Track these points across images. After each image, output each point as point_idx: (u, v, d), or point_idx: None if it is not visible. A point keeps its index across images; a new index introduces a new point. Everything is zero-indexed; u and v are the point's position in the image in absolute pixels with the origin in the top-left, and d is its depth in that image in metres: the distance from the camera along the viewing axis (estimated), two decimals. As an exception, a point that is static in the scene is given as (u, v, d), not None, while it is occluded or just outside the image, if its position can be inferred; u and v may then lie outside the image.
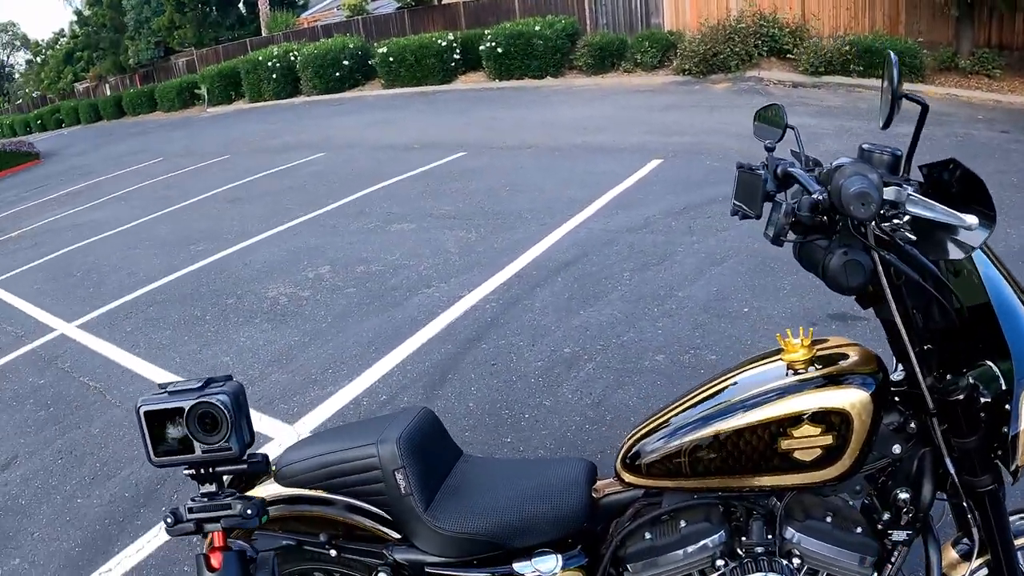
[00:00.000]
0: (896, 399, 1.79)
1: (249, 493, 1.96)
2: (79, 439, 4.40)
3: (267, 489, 1.97)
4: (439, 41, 20.56)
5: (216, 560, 1.62)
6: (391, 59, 20.77)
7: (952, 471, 1.74)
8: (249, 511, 1.61)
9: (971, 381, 1.68)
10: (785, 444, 1.69)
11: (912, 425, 1.77)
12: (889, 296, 1.64)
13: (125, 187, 12.94)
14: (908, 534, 1.81)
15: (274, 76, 23.36)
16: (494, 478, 2.00)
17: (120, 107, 33.69)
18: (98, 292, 6.91)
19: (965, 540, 1.90)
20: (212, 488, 1.65)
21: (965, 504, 1.82)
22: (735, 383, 1.85)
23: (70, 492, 3.91)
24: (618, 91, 16.86)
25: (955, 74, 16.85)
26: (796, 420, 1.68)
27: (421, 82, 20.57)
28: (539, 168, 9.79)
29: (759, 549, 1.81)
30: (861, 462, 1.71)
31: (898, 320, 1.67)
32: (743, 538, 1.83)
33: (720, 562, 1.81)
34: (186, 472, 1.65)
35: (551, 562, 1.86)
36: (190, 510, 1.63)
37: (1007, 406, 1.64)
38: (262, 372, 4.89)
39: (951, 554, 1.95)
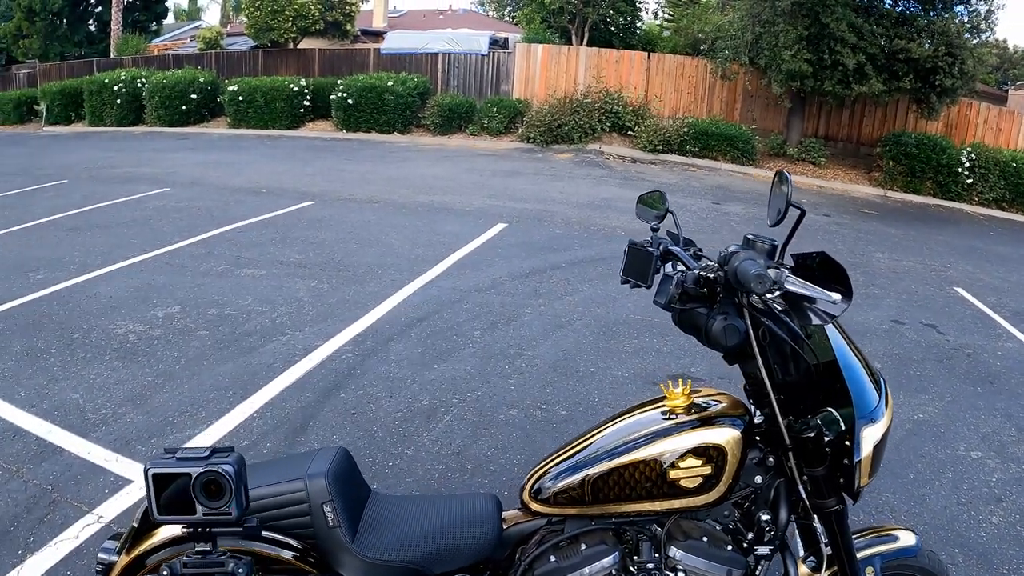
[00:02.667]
0: (756, 438, 2.13)
1: (162, 530, 2.04)
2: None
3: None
4: (291, 85, 20.59)
5: None
6: (240, 98, 20.59)
7: (804, 496, 2.10)
8: (240, 570, 1.75)
9: (819, 422, 2.02)
10: (673, 474, 2.01)
11: (770, 460, 2.11)
12: (757, 353, 2.01)
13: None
14: (770, 549, 2.13)
15: (119, 101, 22.55)
16: (410, 512, 2.20)
17: (-50, 113, 31.73)
18: (-74, 317, 6.62)
19: (812, 557, 2.26)
20: (207, 547, 1.78)
21: (815, 524, 2.19)
22: (627, 424, 2.15)
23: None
24: (464, 153, 17.31)
25: (784, 160, 18.19)
26: (683, 454, 2.01)
27: (268, 125, 20.43)
28: (387, 224, 10.02)
29: (649, 566, 2.07)
30: (732, 489, 2.05)
31: (763, 372, 2.03)
32: (635, 557, 2.09)
33: None
34: (184, 531, 1.80)
35: None
36: (185, 565, 1.76)
37: (847, 442, 1.99)
38: (115, 412, 4.84)
39: (803, 568, 2.28)
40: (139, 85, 22.45)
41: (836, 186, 17.32)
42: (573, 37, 21.68)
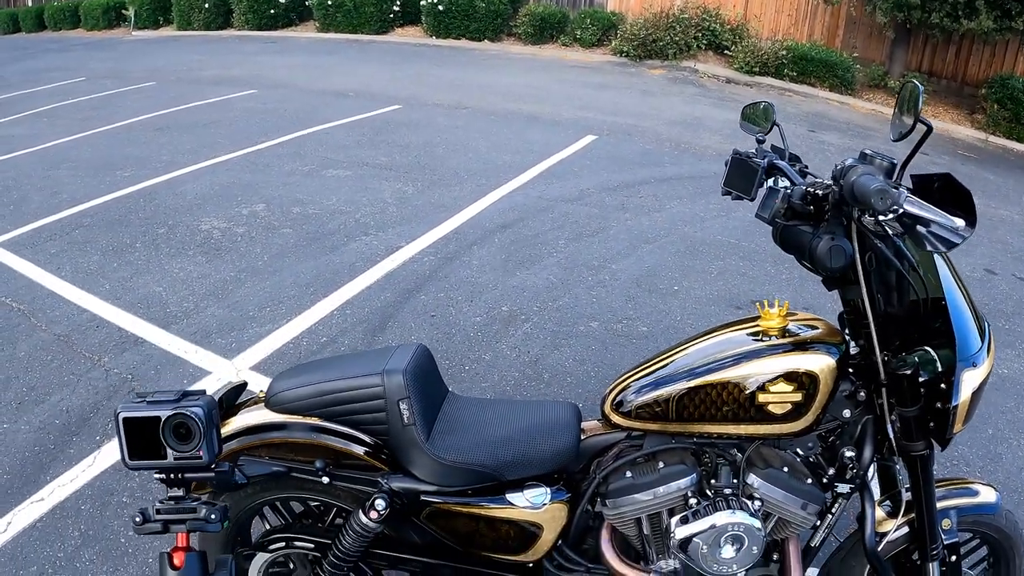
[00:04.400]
0: (850, 371, 2.03)
1: (237, 418, 2.06)
2: (2, 361, 4.27)
3: (257, 415, 2.03)
4: (381, -13, 20.23)
5: (179, 559, 1.73)
6: (329, 1, 20.34)
7: (893, 436, 2.01)
8: (213, 516, 1.72)
9: (916, 360, 1.93)
10: (762, 397, 1.94)
11: (861, 394, 2.02)
12: (861, 279, 1.90)
13: (45, 104, 12.40)
14: (851, 488, 2.06)
15: (207, 5, 22.52)
16: (488, 415, 2.13)
17: (41, 20, 31.99)
18: (19, 210, 6.66)
19: (888, 501, 2.19)
20: (180, 492, 1.74)
21: (897, 467, 2.12)
22: (716, 342, 2.06)
23: (-5, 415, 3.81)
24: (554, 64, 16.91)
25: (884, 92, 17.39)
26: (774, 378, 1.93)
27: (356, 29, 20.21)
28: (475, 130, 9.80)
29: (727, 491, 2.01)
30: (819, 420, 1.97)
31: (865, 300, 1.92)
32: (712, 480, 2.04)
33: (692, 500, 2.01)
34: (156, 476, 1.74)
35: (541, 495, 2.03)
36: (158, 511, 1.72)
37: (943, 385, 1.89)
38: (197, 305, 4.83)
39: (879, 512, 2.19)
40: (227, -12, 22.36)
41: (936, 125, 16.36)
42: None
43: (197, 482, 1.77)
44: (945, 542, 2.24)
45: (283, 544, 2.14)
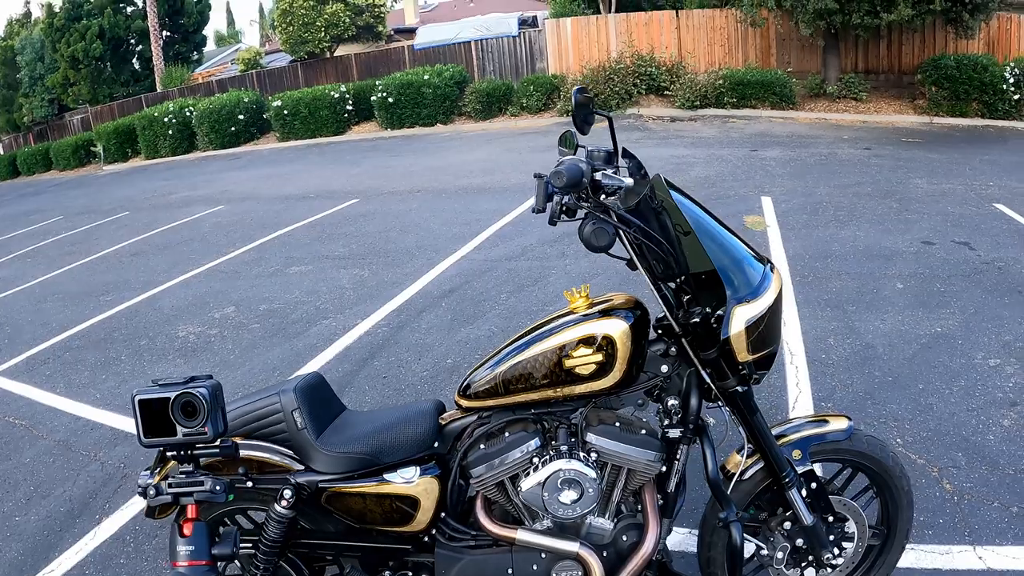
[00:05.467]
0: (659, 331, 2.45)
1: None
2: (11, 469, 4.83)
3: None
4: (332, 93, 21.18)
5: (188, 529, 1.99)
6: (285, 112, 21.30)
7: (705, 376, 2.36)
8: (218, 487, 1.98)
9: (707, 310, 2.29)
10: (568, 362, 2.30)
11: (672, 349, 2.40)
12: (629, 251, 2.32)
13: (27, 246, 13.18)
14: (681, 431, 2.38)
15: (170, 132, 23.59)
16: (368, 418, 2.61)
17: (15, 166, 33.15)
18: (13, 343, 7.30)
19: (749, 444, 2.49)
20: (189, 468, 2.02)
21: (724, 408, 2.43)
22: (539, 327, 2.44)
23: (8, 512, 4.31)
24: (504, 135, 17.65)
25: (824, 100, 18.02)
26: (576, 344, 2.30)
27: (315, 134, 21.11)
28: (427, 210, 10.52)
29: (564, 448, 2.35)
30: (631, 375, 2.33)
31: (640, 267, 2.34)
32: (553, 442, 2.39)
33: (536, 460, 2.37)
34: (169, 453, 2.06)
35: (411, 472, 2.43)
36: (169, 484, 1.99)
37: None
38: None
39: (736, 457, 2.55)
40: (188, 114, 23.47)
41: (880, 119, 17.17)
42: (601, 5, 21.84)
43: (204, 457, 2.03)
44: (799, 471, 2.50)
45: None
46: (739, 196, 10.10)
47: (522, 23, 23.48)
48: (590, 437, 2.35)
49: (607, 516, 2.46)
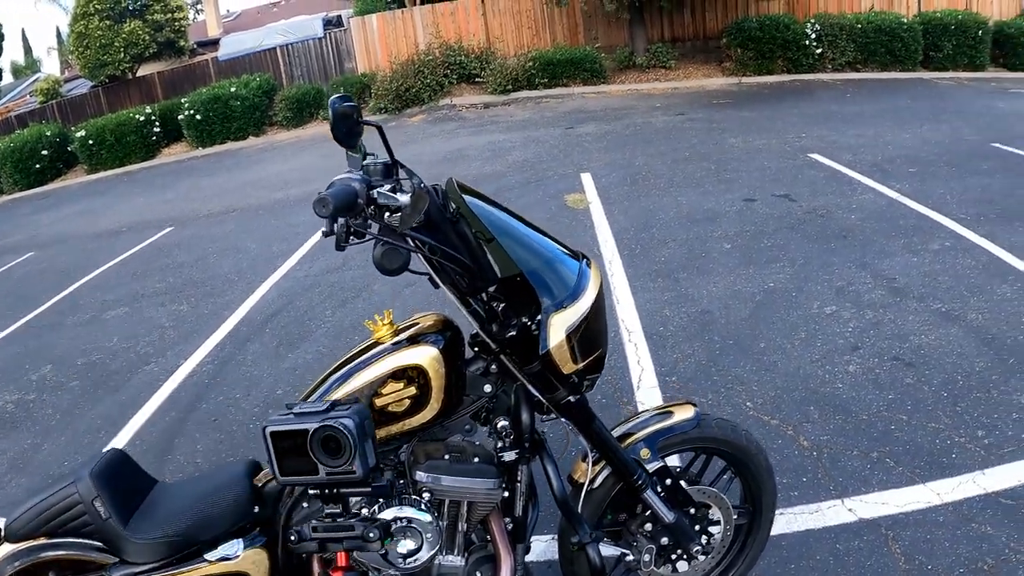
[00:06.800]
0: (476, 349, 2.25)
1: None
2: None
3: (3, 548, 2.24)
4: (137, 116, 20.26)
5: None
6: (91, 142, 20.22)
7: (535, 391, 2.17)
8: (371, 534, 1.76)
9: (523, 321, 2.11)
10: (379, 402, 2.07)
11: (493, 367, 2.20)
12: (429, 269, 2.11)
13: None
14: (516, 453, 2.21)
15: (-32, 178, 22.13)
16: (178, 492, 2.34)
17: None
18: None
19: (594, 452, 2.36)
20: (337, 509, 1.80)
21: (563, 419, 2.26)
22: (344, 364, 2.20)
23: None
24: (318, 140, 17.44)
25: (634, 71, 18.56)
26: (383, 381, 2.08)
27: (124, 161, 20.17)
28: (245, 230, 10.29)
29: (394, 494, 2.14)
30: (454, 403, 2.15)
31: (441, 284, 2.12)
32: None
33: (365, 511, 2.10)
34: (312, 492, 1.81)
35: (234, 546, 2.18)
36: (314, 529, 1.79)
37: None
38: (0, 482, 5.16)
39: (582, 465, 2.41)
40: (-12, 156, 21.96)
41: (690, 84, 17.82)
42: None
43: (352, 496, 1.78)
44: (651, 469, 2.38)
45: None
46: (559, 175, 10.30)
47: (327, 24, 23.16)
48: (419, 475, 2.17)
49: (456, 552, 2.26)
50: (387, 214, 1.94)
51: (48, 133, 21.66)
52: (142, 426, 5.32)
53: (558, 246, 2.22)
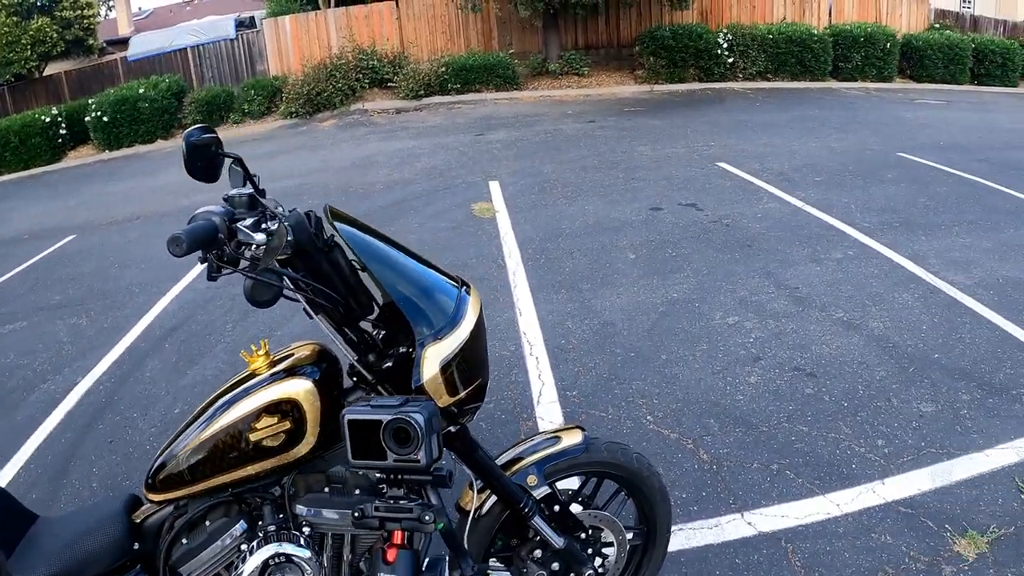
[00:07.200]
0: (355, 379, 2.20)
1: None
2: None
3: None
4: (43, 117, 19.62)
5: (392, 555, 1.85)
6: (-9, 143, 19.65)
7: None
8: (427, 516, 1.85)
9: (401, 351, 2.11)
10: (253, 436, 2.03)
11: (372, 396, 2.13)
12: (302, 300, 2.09)
13: None
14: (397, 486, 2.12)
15: None
16: (59, 529, 2.23)
17: None
18: None
19: (479, 481, 2.33)
20: (400, 492, 1.91)
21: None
22: (222, 398, 2.15)
23: None
24: (226, 144, 17.12)
25: (547, 78, 18.75)
26: (257, 415, 2.04)
27: (28, 164, 19.53)
28: (149, 238, 10.11)
29: (271, 528, 2.10)
30: (328, 436, 2.08)
31: (314, 316, 2.12)
32: (260, 523, 2.13)
33: (244, 547, 2.10)
34: (377, 475, 1.92)
35: None
36: (376, 508, 1.88)
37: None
38: None
39: (469, 493, 2.38)
40: None
41: (603, 91, 18.03)
42: (320, 1, 21.53)
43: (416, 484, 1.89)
44: (538, 495, 2.38)
45: None
46: (466, 183, 10.35)
47: (239, 25, 22.84)
48: (299, 509, 2.12)
49: None
50: (252, 246, 1.91)
51: (-52, 135, 20.93)
52: (38, 448, 5.20)
53: (437, 273, 2.19)
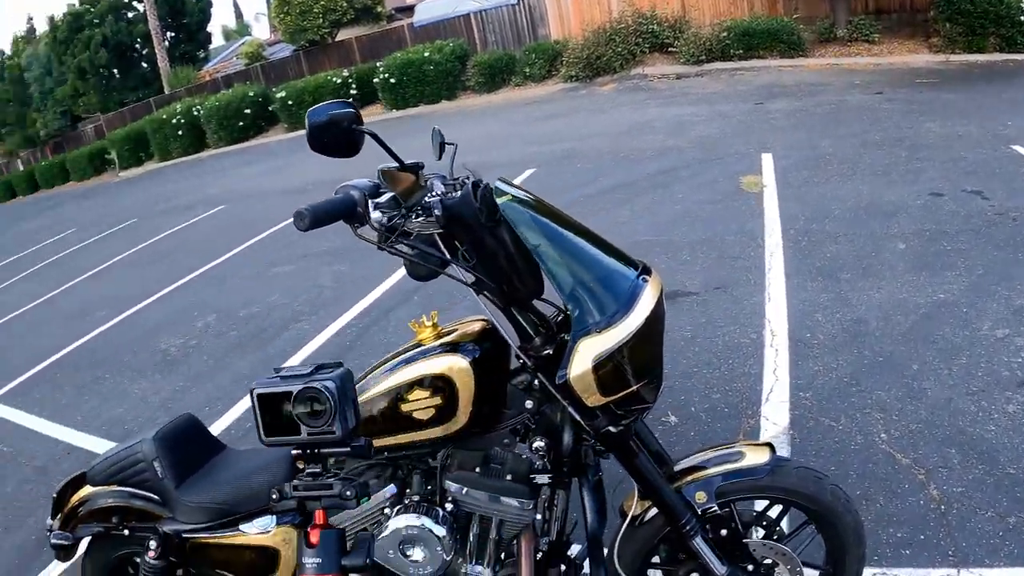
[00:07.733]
0: (522, 361, 2.04)
1: (77, 495, 2.52)
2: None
3: (86, 489, 2.52)
4: (335, 79, 21.18)
5: (315, 537, 1.78)
6: (290, 103, 21.37)
7: (573, 412, 1.93)
8: (348, 492, 1.75)
9: (564, 338, 1.93)
10: (404, 407, 2.02)
11: (536, 382, 2.02)
12: (461, 278, 1.96)
13: (37, 264, 13.51)
14: (550, 477, 2.04)
15: (180, 133, 23.92)
16: (234, 462, 2.45)
17: (34, 181, 33.74)
18: (8, 368, 7.53)
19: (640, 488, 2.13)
20: (317, 469, 1.79)
21: (603, 448, 2.10)
22: (390, 363, 2.13)
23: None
24: (507, 106, 17.51)
25: (835, 45, 17.49)
26: (410, 386, 2.01)
27: (321, 122, 21.01)
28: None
29: (418, 499, 2.10)
30: (480, 417, 2.03)
31: (475, 295, 1.99)
32: (408, 490, 2.14)
33: (388, 511, 2.12)
34: (294, 452, 1.80)
35: (268, 521, 2.25)
36: (295, 488, 1.79)
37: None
38: (151, 416, 5.55)
39: (634, 497, 2.17)
40: (195, 113, 23.76)
41: (894, 60, 16.67)
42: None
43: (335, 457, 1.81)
44: (706, 514, 2.14)
45: None
46: (739, 154, 9.91)
47: (521, -10, 23.25)
48: (448, 484, 2.10)
49: (486, 563, 2.14)
50: (414, 217, 1.88)
51: (251, 94, 23.13)
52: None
53: (611, 258, 1.97)
